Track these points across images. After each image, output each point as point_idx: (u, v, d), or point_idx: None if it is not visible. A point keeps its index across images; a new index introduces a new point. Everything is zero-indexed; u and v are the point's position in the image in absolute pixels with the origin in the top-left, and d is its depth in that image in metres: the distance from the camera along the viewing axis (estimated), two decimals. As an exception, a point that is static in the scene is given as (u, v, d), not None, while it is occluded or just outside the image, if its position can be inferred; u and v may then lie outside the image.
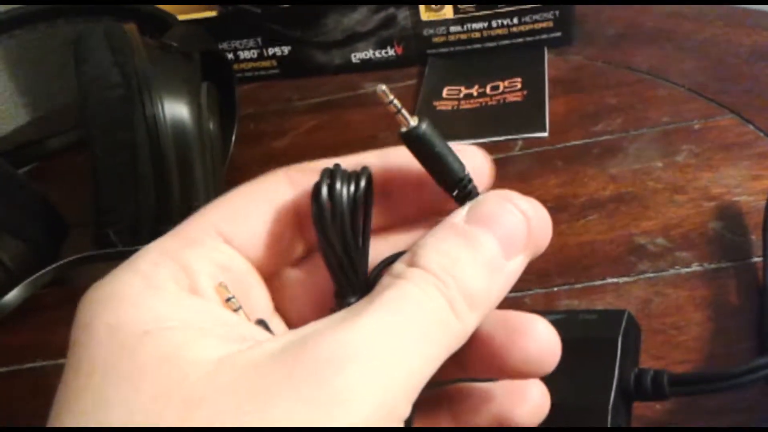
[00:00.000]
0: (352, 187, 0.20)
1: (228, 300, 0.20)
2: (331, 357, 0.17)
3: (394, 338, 0.18)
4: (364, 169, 0.21)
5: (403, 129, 0.21)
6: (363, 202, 0.20)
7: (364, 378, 0.17)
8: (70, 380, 0.18)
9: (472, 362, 0.22)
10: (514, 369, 0.21)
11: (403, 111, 0.21)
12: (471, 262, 0.19)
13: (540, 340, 0.21)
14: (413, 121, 0.21)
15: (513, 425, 0.23)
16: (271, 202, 0.22)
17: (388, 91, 0.20)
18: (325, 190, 0.20)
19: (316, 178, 0.21)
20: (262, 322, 0.20)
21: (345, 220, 0.20)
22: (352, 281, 0.20)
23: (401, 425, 0.18)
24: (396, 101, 0.21)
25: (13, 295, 0.44)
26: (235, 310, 0.20)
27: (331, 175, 0.20)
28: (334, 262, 0.20)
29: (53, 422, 0.17)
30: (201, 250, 0.20)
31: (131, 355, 0.17)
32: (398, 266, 0.20)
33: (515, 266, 0.20)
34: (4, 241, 0.45)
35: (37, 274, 0.45)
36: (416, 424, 0.23)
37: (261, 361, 0.17)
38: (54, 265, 0.45)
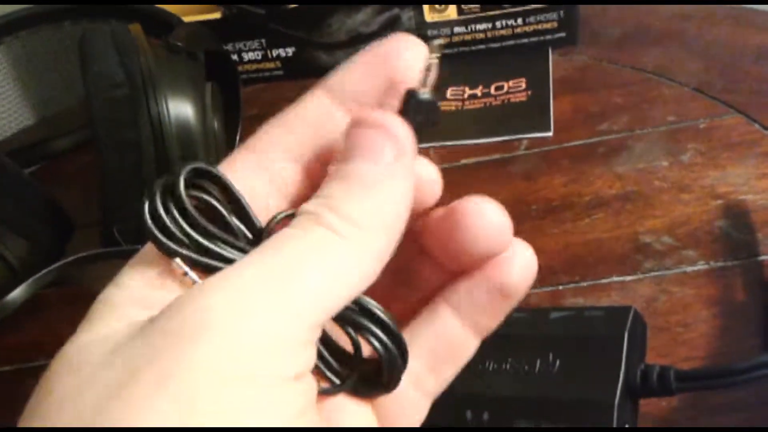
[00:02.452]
0: (180, 210, 0.19)
1: (184, 275, 0.20)
2: (183, 329, 0.17)
3: (260, 287, 0.18)
4: (181, 169, 0.20)
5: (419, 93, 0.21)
6: (197, 200, 0.20)
7: (217, 349, 0.16)
8: None
9: (445, 259, 0.23)
10: (474, 252, 0.22)
11: (430, 75, 0.21)
12: (345, 191, 0.19)
13: (480, 216, 0.21)
14: (426, 91, 0.21)
15: (511, 291, 0.22)
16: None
17: (438, 48, 0.21)
18: (156, 232, 0.19)
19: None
20: None
21: (191, 239, 0.20)
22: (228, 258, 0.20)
23: (293, 375, 0.18)
24: (434, 63, 0.21)
25: (17, 294, 0.44)
26: (194, 283, 0.20)
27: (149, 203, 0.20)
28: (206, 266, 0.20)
29: None
30: None
31: (68, 342, 0.19)
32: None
33: (394, 177, 0.20)
34: (9, 240, 0.45)
35: (42, 273, 0.45)
36: (416, 330, 0.23)
37: (130, 335, 0.17)
38: (58, 264, 0.45)
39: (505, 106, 0.59)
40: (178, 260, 0.19)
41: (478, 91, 0.61)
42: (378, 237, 0.19)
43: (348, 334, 0.21)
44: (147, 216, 0.19)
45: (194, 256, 0.19)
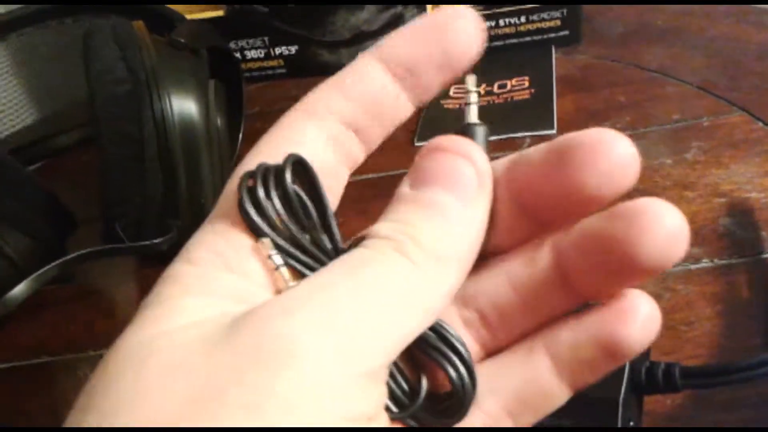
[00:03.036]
0: (280, 192, 0.19)
1: (269, 257, 0.19)
2: (272, 352, 0.16)
3: (348, 314, 0.17)
4: (289, 158, 0.20)
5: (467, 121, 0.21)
6: (295, 193, 0.19)
7: (309, 378, 0.16)
8: None
9: (586, 279, 0.20)
10: (641, 264, 0.18)
11: (473, 107, 0.21)
12: (424, 219, 0.19)
13: (666, 220, 0.18)
14: (476, 120, 0.21)
15: (622, 347, 0.19)
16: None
17: (473, 81, 0.21)
18: (249, 206, 0.19)
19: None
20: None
21: (284, 224, 0.19)
22: (314, 267, 0.20)
23: (373, 414, 0.17)
24: (474, 96, 0.21)
25: (19, 290, 0.44)
26: (276, 268, 0.19)
27: (252, 179, 0.19)
28: (291, 261, 0.19)
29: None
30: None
31: (134, 327, 0.18)
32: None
33: (474, 210, 0.19)
34: (11, 236, 0.45)
35: (44, 269, 0.45)
36: (503, 367, 0.21)
37: (208, 340, 0.17)
38: (60, 260, 0.45)
39: (508, 104, 0.59)
40: (266, 240, 0.19)
41: (482, 90, 0.61)
42: (453, 271, 0.19)
43: (416, 361, 0.20)
44: (244, 193, 0.19)
45: (282, 242, 0.19)
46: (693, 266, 0.41)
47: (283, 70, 0.71)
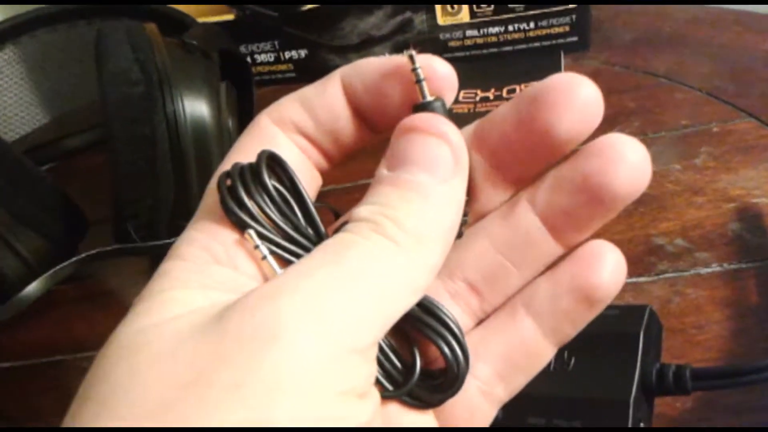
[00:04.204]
0: (258, 186, 0.20)
1: (256, 248, 0.19)
2: (257, 335, 0.16)
3: (331, 296, 0.17)
4: (263, 154, 0.20)
5: (420, 101, 0.21)
6: (274, 187, 0.20)
7: (292, 358, 0.16)
8: None
9: (563, 220, 0.21)
10: (613, 192, 0.20)
11: (424, 83, 0.21)
12: (403, 200, 0.19)
13: (630, 156, 0.20)
14: (430, 97, 0.21)
15: (597, 292, 0.21)
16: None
17: (415, 57, 0.20)
18: (231, 203, 0.19)
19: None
20: None
21: (266, 216, 0.20)
22: (300, 255, 0.20)
23: (362, 390, 0.18)
24: (420, 71, 0.20)
25: (31, 289, 0.44)
26: (263, 258, 0.19)
27: (230, 179, 0.20)
28: (277, 249, 0.20)
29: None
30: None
31: (127, 320, 0.18)
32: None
33: (451, 188, 0.20)
34: (24, 235, 0.45)
35: (56, 268, 0.45)
36: (489, 333, 0.22)
37: (197, 328, 0.17)
38: (72, 260, 0.46)
39: (517, 109, 0.59)
40: (251, 232, 0.19)
41: (491, 94, 0.61)
42: (434, 249, 0.19)
43: (408, 340, 0.21)
44: (225, 191, 0.20)
45: (266, 232, 0.19)
46: (703, 270, 0.41)
47: (292, 74, 0.71)
